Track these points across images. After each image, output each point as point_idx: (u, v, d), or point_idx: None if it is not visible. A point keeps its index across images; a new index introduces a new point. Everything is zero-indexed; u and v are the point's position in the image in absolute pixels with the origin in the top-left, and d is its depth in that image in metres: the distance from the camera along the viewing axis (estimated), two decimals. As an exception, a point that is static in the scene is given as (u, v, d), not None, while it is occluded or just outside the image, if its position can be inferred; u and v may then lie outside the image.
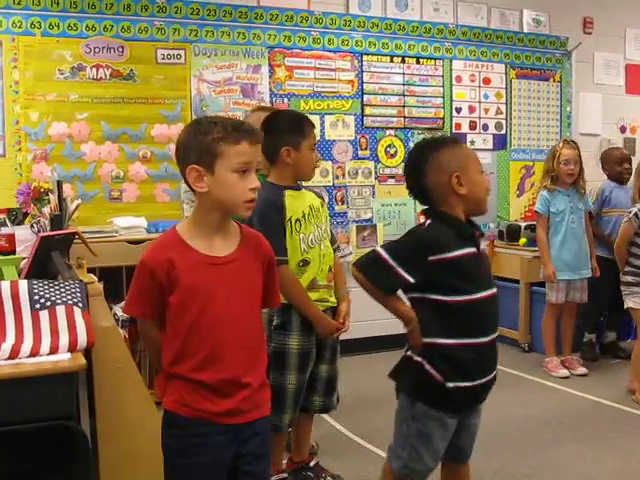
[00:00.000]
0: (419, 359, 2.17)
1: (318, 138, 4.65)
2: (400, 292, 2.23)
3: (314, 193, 2.98)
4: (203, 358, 1.84)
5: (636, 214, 4.18)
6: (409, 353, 2.23)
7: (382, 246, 2.19)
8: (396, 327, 2.37)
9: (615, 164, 5.22)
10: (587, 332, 5.12)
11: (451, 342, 2.14)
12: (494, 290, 2.24)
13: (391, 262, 2.10)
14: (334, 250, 2.99)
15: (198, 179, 1.82)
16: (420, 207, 2.34)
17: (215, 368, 1.84)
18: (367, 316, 3.86)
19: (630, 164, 5.18)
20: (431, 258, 2.10)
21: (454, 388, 2.13)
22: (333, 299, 2.88)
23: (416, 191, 2.27)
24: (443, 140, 2.32)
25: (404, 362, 2.24)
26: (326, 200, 4.94)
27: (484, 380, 2.20)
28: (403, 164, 2.34)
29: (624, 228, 4.29)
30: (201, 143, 1.81)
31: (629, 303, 4.24)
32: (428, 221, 2.22)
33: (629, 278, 4.24)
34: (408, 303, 2.24)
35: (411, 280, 2.11)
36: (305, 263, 2.76)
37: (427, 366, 2.15)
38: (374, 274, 2.15)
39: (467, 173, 2.17)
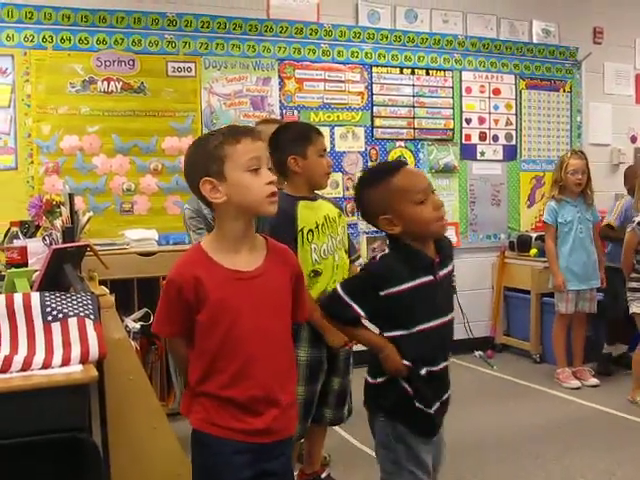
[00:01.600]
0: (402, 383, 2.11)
1: (328, 150, 4.65)
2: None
3: (332, 204, 2.98)
4: (233, 374, 1.80)
5: (639, 223, 4.22)
6: (373, 379, 2.18)
7: (340, 284, 2.18)
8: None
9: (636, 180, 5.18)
10: (607, 343, 5.08)
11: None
12: (449, 317, 2.17)
13: (345, 298, 2.08)
14: (354, 260, 2.98)
15: (213, 190, 1.78)
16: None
17: (246, 384, 1.80)
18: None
19: None
20: (382, 293, 2.04)
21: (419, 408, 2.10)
22: None
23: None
24: (372, 175, 2.16)
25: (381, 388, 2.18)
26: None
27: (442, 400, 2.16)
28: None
29: (628, 238, 4.35)
30: (205, 154, 1.80)
31: (634, 308, 4.30)
32: (382, 253, 2.15)
33: (634, 284, 4.31)
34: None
35: (363, 315, 2.08)
36: (316, 274, 2.76)
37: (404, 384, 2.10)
38: (332, 308, 2.14)
39: (398, 210, 2.03)
